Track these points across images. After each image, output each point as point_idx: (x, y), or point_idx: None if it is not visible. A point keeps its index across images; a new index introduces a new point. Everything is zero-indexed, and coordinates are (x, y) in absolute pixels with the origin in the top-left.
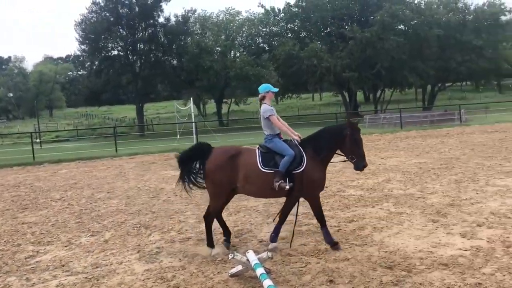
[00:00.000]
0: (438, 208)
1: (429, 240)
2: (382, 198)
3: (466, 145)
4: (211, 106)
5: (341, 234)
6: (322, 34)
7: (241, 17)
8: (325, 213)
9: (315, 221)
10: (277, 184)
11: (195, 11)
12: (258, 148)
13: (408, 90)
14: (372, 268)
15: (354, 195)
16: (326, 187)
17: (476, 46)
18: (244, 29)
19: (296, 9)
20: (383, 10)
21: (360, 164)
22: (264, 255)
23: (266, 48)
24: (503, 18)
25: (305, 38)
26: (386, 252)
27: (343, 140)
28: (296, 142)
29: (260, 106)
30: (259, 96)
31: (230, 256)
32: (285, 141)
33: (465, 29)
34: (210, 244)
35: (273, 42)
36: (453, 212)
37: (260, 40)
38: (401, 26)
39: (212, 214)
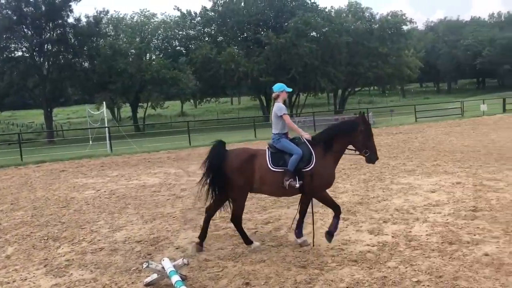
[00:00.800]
0: (348, 206)
1: (340, 237)
2: (297, 199)
3: None
4: (126, 110)
5: (258, 236)
6: (239, 39)
7: (156, 19)
8: (243, 216)
9: (232, 224)
10: (287, 182)
11: (107, 12)
12: (268, 148)
13: (321, 94)
14: (287, 268)
15: (270, 197)
16: None
17: (382, 53)
18: (160, 31)
19: (213, 13)
20: (296, 17)
21: (373, 157)
22: (179, 261)
23: (183, 51)
24: (404, 27)
25: (222, 43)
26: (300, 251)
27: (356, 135)
28: (305, 140)
29: (273, 104)
30: (273, 94)
31: (145, 265)
32: (292, 139)
33: (372, 37)
34: (248, 241)
35: (190, 46)
36: (362, 210)
37: (177, 43)
38: (314, 33)
39: (239, 216)
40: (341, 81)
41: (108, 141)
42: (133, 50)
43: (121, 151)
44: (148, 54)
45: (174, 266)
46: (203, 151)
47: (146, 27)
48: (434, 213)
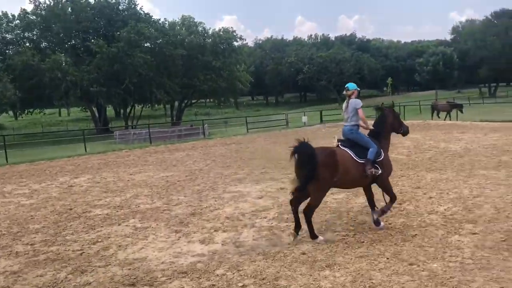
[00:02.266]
0: (181, 218)
1: (171, 250)
2: (129, 214)
3: (208, 157)
4: None
5: (83, 258)
6: (66, 46)
7: None
8: (67, 237)
9: (54, 248)
10: (370, 171)
11: None
12: (341, 145)
13: (158, 106)
14: None
15: (100, 214)
16: (71, 209)
17: (216, 66)
18: None
19: (34, 17)
20: (129, 27)
21: (407, 129)
22: None
23: None
24: (235, 43)
25: (47, 49)
26: (129, 269)
27: (395, 120)
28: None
29: (347, 101)
30: (348, 92)
31: None
32: None
33: (205, 51)
34: (314, 236)
35: (7, 51)
36: (194, 220)
37: None
38: (147, 44)
39: (314, 208)
40: (177, 93)
41: None
42: None
43: None
44: None
45: None
46: (23, 168)
47: None
48: (261, 218)
